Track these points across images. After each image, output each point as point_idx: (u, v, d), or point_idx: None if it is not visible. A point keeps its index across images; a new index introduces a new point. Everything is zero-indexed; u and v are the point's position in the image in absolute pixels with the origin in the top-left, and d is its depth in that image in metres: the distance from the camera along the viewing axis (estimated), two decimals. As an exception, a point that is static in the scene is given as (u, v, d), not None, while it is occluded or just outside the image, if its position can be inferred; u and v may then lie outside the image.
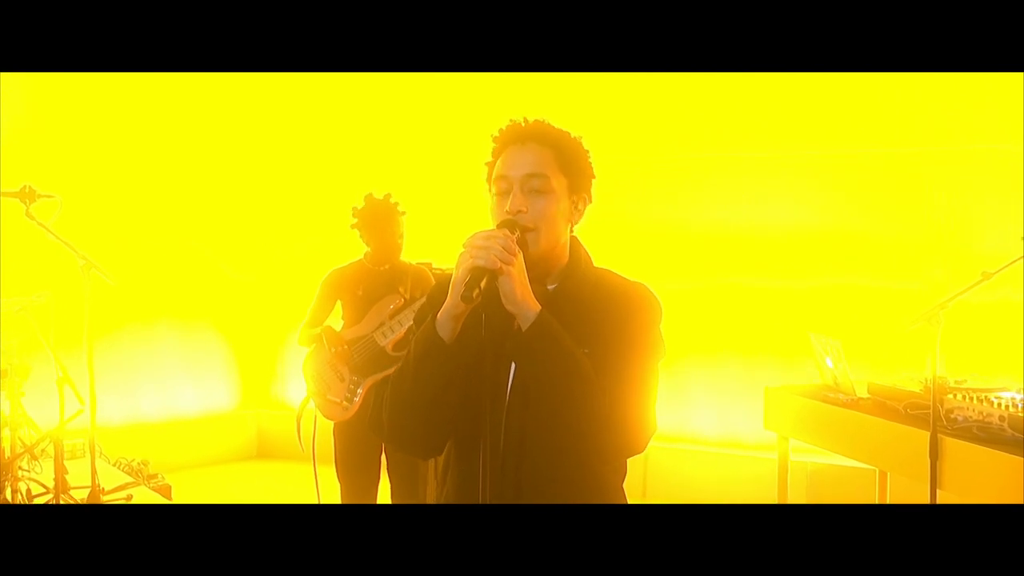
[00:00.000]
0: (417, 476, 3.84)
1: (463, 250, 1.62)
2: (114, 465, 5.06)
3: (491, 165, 1.79)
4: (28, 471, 4.33)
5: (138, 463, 5.09)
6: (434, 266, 4.26)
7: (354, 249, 3.91)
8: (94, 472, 4.01)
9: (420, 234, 3.94)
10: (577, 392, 1.62)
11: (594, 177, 1.82)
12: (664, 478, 5.55)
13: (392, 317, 3.72)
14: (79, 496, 4.09)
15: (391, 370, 2.38)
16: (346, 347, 3.72)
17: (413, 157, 6.05)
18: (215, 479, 6.11)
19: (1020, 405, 3.26)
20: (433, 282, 3.56)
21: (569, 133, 1.79)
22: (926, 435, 3.28)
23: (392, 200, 3.78)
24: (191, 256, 6.37)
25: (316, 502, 4.06)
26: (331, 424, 3.82)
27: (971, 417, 3.35)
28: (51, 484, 4.09)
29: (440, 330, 1.66)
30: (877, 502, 4.45)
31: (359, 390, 3.70)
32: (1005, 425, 3.20)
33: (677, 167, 5.74)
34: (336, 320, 3.91)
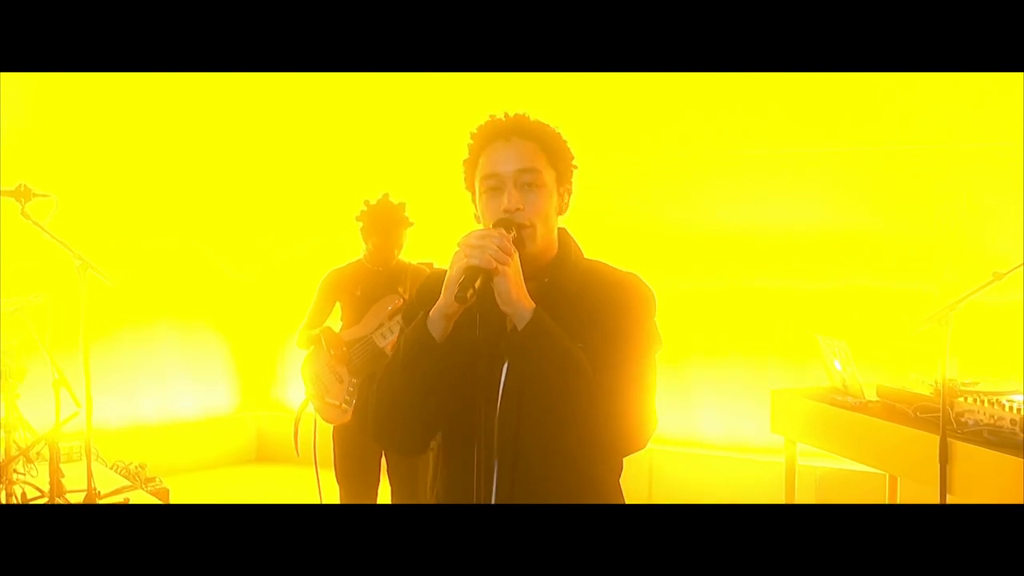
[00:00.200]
0: (417, 478, 3.83)
1: (457, 249, 1.61)
2: (111, 468, 5.06)
3: (470, 163, 1.77)
4: (23, 474, 4.32)
5: (135, 466, 5.09)
6: (435, 266, 4.25)
7: (356, 250, 3.90)
8: (90, 475, 4.01)
9: (420, 234, 3.93)
10: (575, 391, 1.61)
11: (576, 167, 1.81)
12: (669, 482, 5.53)
13: (391, 318, 3.71)
14: (75, 500, 4.08)
15: None
16: (345, 349, 3.71)
17: (413, 157, 6.04)
18: (214, 482, 6.10)
19: (1032, 408, 3.24)
20: None
21: (549, 125, 1.78)
22: (936, 439, 3.26)
23: (405, 211, 3.78)
24: (190, 256, 6.37)
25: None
26: (330, 427, 3.81)
27: (982, 420, 3.33)
28: (46, 487, 4.08)
29: (431, 329, 1.65)
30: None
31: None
32: (1017, 429, 3.18)
33: (682, 166, 5.72)
34: (335, 321, 3.91)
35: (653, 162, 5.77)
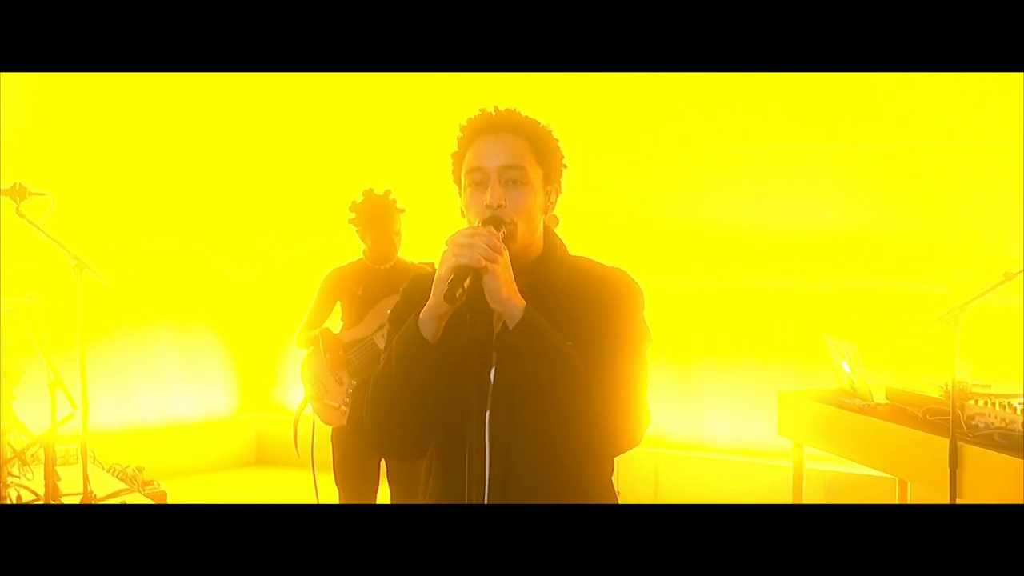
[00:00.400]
0: (417, 482, 3.82)
1: (446, 248, 1.61)
2: (108, 471, 5.05)
3: (458, 156, 1.77)
4: (18, 477, 4.32)
5: (133, 469, 5.08)
6: (436, 266, 4.24)
7: (357, 250, 3.90)
8: (86, 478, 4.01)
9: (420, 234, 3.92)
10: (568, 390, 1.61)
11: (566, 166, 1.81)
12: (675, 486, 5.52)
13: (392, 319, 3.70)
14: (70, 503, 4.08)
15: None
16: (343, 353, 3.71)
17: (413, 156, 6.03)
18: (213, 486, 6.10)
19: (1044, 411, 3.22)
20: None
21: (539, 122, 1.78)
22: (946, 442, 3.24)
23: (391, 197, 3.77)
24: (188, 255, 6.37)
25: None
26: (329, 429, 3.81)
27: (993, 424, 3.32)
28: (42, 490, 4.08)
29: (423, 330, 1.65)
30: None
31: (358, 394, 3.69)
32: (1028, 432, 3.17)
33: (688, 165, 5.70)
34: (335, 321, 3.90)
35: (660, 161, 5.76)
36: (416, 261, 3.93)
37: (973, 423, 3.36)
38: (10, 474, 4.22)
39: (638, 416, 1.68)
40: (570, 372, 1.61)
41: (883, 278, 5.25)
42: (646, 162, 5.76)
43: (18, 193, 3.79)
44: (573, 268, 1.78)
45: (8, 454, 4.14)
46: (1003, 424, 3.27)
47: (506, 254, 1.63)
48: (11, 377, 4.17)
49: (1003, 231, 4.89)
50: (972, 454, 3.23)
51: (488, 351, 1.68)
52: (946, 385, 3.52)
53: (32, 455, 4.43)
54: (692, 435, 5.67)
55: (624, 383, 1.66)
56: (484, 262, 1.58)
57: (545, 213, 1.78)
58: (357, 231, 3.79)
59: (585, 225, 5.38)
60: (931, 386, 3.86)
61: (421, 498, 1.82)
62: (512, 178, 1.71)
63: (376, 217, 3.74)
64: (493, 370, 1.68)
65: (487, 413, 1.67)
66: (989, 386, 3.74)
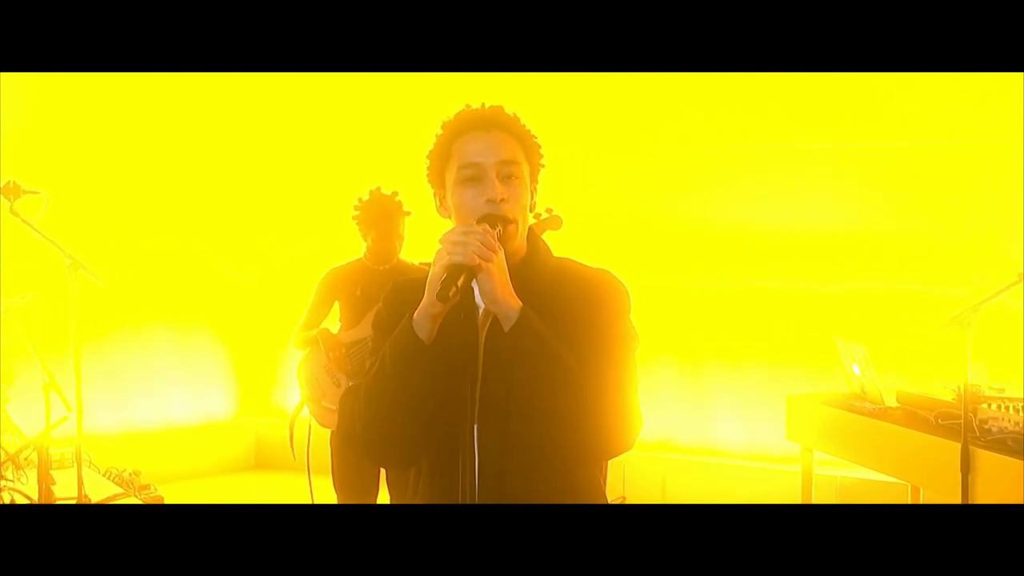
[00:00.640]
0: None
1: (439, 246, 1.60)
2: (104, 475, 5.07)
3: (440, 155, 1.76)
4: (12, 481, 4.34)
5: (129, 473, 5.09)
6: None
7: (358, 251, 3.90)
8: (80, 482, 4.02)
9: (420, 234, 3.92)
10: (566, 393, 1.61)
11: (543, 166, 1.81)
12: (683, 492, 5.50)
13: (391, 320, 3.70)
14: (65, 507, 4.09)
15: None
16: (343, 353, 3.71)
17: (413, 157, 6.03)
18: (210, 490, 6.10)
19: (1059, 415, 3.21)
20: None
21: (521, 119, 1.78)
22: (958, 447, 3.22)
23: (399, 199, 3.78)
24: (186, 255, 6.37)
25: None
26: (327, 432, 3.80)
27: (1007, 428, 3.30)
28: (35, 494, 4.09)
29: (418, 330, 1.64)
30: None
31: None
32: (1043, 437, 3.15)
33: (700, 164, 5.69)
34: (333, 322, 3.90)
35: (671, 160, 5.74)
36: (417, 262, 3.93)
37: (986, 427, 3.34)
38: (3, 478, 4.23)
39: (630, 418, 1.68)
40: (568, 375, 1.61)
41: (894, 279, 5.23)
42: (657, 161, 5.74)
43: (12, 191, 3.81)
44: (558, 270, 1.78)
45: (1, 457, 4.15)
46: (1017, 428, 3.25)
47: (501, 253, 1.62)
48: (5, 379, 4.19)
49: (1017, 231, 4.86)
50: (985, 459, 3.21)
51: (476, 352, 1.68)
52: (958, 388, 3.51)
53: (26, 458, 4.45)
54: (700, 439, 5.65)
55: (615, 385, 1.66)
56: (478, 260, 1.58)
57: (531, 211, 1.78)
58: (360, 228, 3.80)
59: (593, 225, 5.39)
60: (944, 390, 3.85)
61: (411, 500, 1.81)
62: (508, 173, 1.71)
63: (380, 216, 3.75)
64: (482, 372, 1.68)
65: (477, 415, 1.67)
66: (1003, 389, 3.73)
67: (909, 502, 4.39)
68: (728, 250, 5.60)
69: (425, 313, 1.64)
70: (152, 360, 6.32)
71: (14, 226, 3.82)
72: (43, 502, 4.06)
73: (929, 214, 5.18)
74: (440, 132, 1.77)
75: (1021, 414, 3.27)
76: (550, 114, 5.45)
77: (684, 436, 5.65)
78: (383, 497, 3.83)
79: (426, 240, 3.91)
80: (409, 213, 3.80)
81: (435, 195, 1.80)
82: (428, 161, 1.79)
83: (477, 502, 1.67)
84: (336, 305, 3.90)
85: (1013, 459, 3.13)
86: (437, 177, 1.78)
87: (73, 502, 4.03)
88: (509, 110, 1.77)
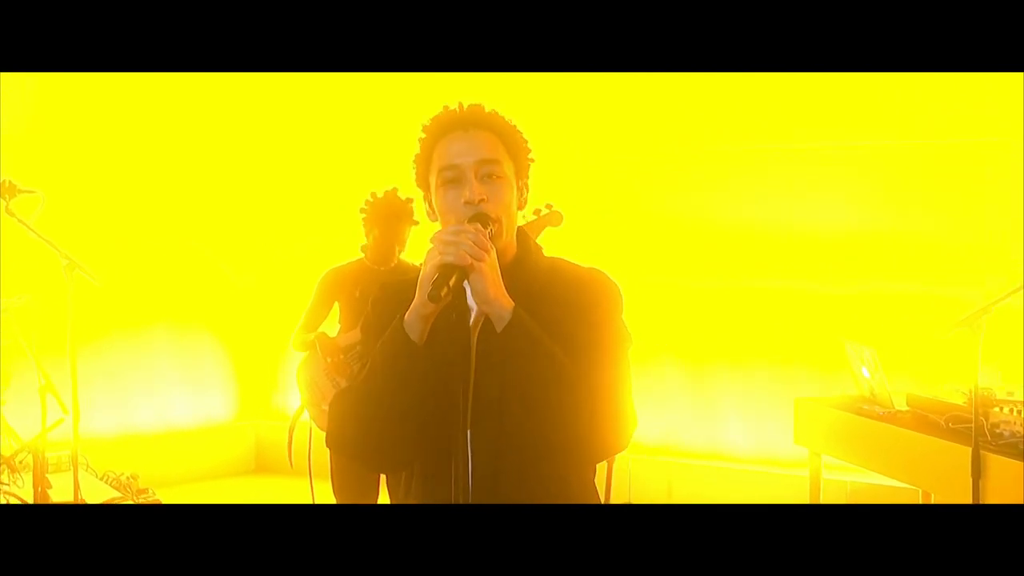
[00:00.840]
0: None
1: (431, 246, 1.60)
2: (101, 479, 5.06)
3: (423, 158, 1.76)
4: (7, 484, 4.34)
5: (127, 477, 5.09)
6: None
7: (358, 252, 3.90)
8: (76, 486, 4.01)
9: (420, 234, 3.92)
10: (559, 393, 1.61)
11: (532, 160, 1.80)
12: (689, 496, 5.49)
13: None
14: (61, 511, 4.09)
15: None
16: (341, 356, 3.70)
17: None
18: (210, 494, 6.10)
19: (1071, 419, 3.19)
20: None
21: (504, 116, 1.77)
22: (968, 451, 3.21)
23: (411, 207, 3.78)
24: (186, 256, 6.37)
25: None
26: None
27: (1018, 432, 3.29)
28: (31, 498, 4.08)
29: (409, 331, 1.64)
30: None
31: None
32: (1055, 441, 3.14)
33: (707, 163, 5.68)
34: (332, 323, 3.90)
35: (676, 159, 5.73)
36: (417, 263, 3.92)
37: (997, 431, 3.33)
38: (-1, 481, 4.23)
39: (624, 418, 1.68)
40: (561, 375, 1.61)
41: (904, 281, 5.20)
42: (658, 159, 5.73)
43: (7, 190, 3.80)
44: (549, 270, 1.78)
45: (-3, 460, 4.15)
46: (1029, 432, 3.25)
47: (493, 252, 1.62)
48: (1, 381, 4.18)
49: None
50: (996, 463, 3.20)
51: (469, 353, 1.68)
52: (969, 392, 3.49)
53: (21, 462, 4.44)
54: (706, 443, 5.63)
55: (608, 384, 1.66)
56: (470, 260, 1.57)
57: (520, 209, 1.78)
58: (364, 224, 3.81)
59: (598, 225, 5.38)
60: (955, 393, 3.83)
61: (404, 501, 1.80)
62: (488, 172, 1.71)
63: (387, 216, 3.76)
64: (474, 373, 1.68)
65: (470, 416, 1.67)
66: (1014, 393, 3.71)
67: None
68: (734, 251, 5.58)
69: (416, 314, 1.63)
70: (151, 362, 6.31)
71: (10, 226, 3.82)
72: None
73: (937, 214, 5.16)
74: (422, 136, 1.77)
75: (1033, 418, 3.26)
76: (551, 114, 5.46)
77: (690, 440, 5.63)
78: (383, 501, 3.82)
79: (423, 241, 3.95)
80: (417, 223, 3.80)
81: (424, 199, 1.80)
82: (414, 166, 1.79)
83: (471, 498, 1.66)
84: (336, 306, 3.90)
85: (1025, 463, 3.12)
86: (423, 181, 1.78)
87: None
88: (488, 108, 1.76)
